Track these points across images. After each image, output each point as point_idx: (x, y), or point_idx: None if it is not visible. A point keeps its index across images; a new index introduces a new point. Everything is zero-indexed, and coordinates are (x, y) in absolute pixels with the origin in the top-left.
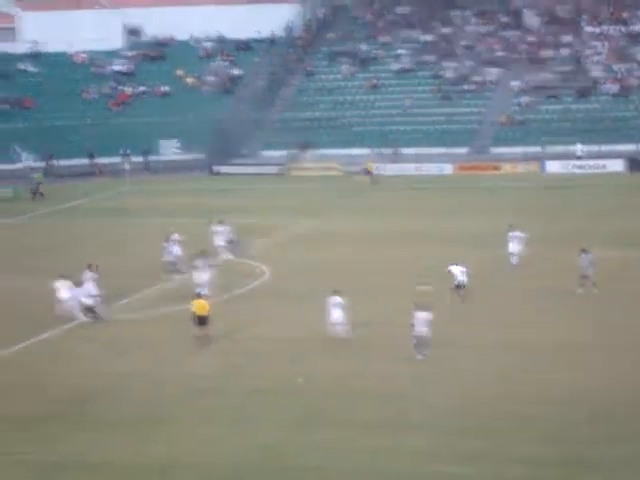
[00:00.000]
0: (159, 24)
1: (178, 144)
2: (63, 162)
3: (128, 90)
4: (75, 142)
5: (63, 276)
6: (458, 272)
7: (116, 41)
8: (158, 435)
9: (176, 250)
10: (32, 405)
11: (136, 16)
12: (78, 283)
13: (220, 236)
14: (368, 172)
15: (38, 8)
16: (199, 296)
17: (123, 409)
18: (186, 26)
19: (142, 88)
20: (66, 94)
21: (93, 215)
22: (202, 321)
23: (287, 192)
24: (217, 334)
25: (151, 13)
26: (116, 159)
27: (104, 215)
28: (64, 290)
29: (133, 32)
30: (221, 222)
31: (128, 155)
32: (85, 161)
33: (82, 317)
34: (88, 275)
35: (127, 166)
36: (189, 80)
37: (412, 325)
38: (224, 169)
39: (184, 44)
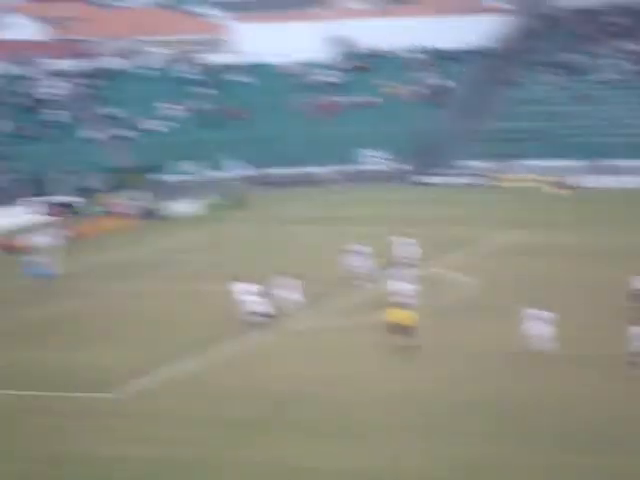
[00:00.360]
0: (368, 35)
1: (382, 154)
2: (272, 171)
3: (336, 100)
4: (283, 152)
5: (238, 279)
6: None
7: (326, 52)
8: (356, 443)
9: (357, 261)
10: (237, 409)
11: (345, 28)
12: (267, 287)
13: (404, 247)
14: (570, 185)
15: (252, 20)
16: (396, 305)
17: (322, 416)
18: (394, 37)
19: (349, 98)
20: (276, 104)
21: (295, 223)
22: (402, 331)
23: (491, 203)
24: (415, 344)
25: (360, 25)
26: (322, 168)
27: (306, 223)
28: (243, 293)
29: (342, 43)
30: (402, 234)
31: (333, 164)
32: (292, 170)
33: (254, 320)
34: (281, 280)
35: (331, 175)
36: (395, 90)
37: (629, 340)
38: (427, 179)
39: (391, 55)
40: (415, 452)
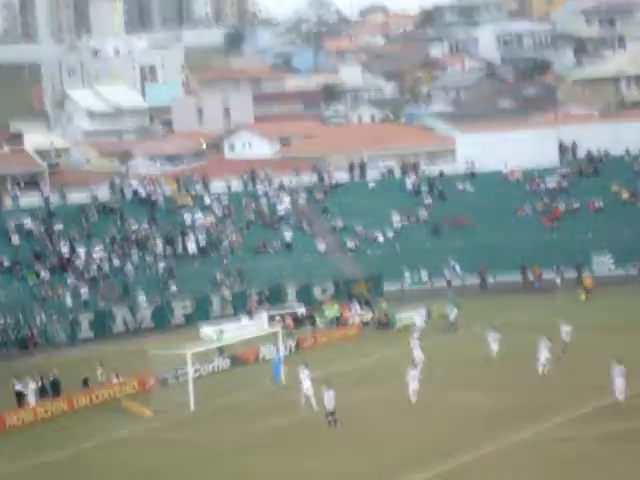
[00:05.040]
0: (593, 140)
1: (612, 259)
2: (495, 278)
3: (561, 206)
4: (507, 258)
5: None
6: None
7: (551, 158)
8: None
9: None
10: None
11: (570, 133)
12: None
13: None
14: None
15: (474, 130)
16: None
17: None
18: (621, 141)
19: (575, 204)
20: (500, 211)
21: (515, 331)
22: None
23: None
24: None
25: (586, 129)
26: (549, 275)
27: (524, 331)
28: None
29: (567, 149)
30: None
31: (560, 270)
32: (516, 277)
33: None
34: None
35: (558, 281)
36: (624, 195)
37: None
38: None
39: (619, 159)
40: None
